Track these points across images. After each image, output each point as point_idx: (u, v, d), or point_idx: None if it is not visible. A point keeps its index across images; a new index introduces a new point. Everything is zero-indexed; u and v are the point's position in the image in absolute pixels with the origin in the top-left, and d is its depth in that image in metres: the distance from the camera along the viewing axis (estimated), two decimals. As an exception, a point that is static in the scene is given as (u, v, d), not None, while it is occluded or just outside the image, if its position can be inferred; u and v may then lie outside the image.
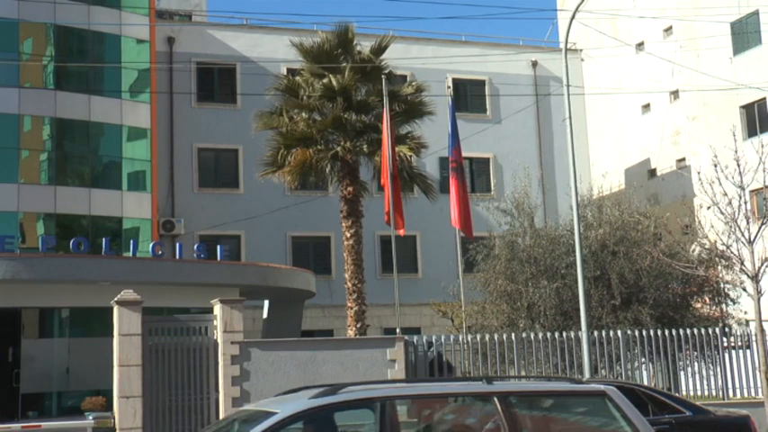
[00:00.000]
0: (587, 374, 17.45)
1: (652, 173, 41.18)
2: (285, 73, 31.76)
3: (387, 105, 22.04)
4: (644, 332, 18.85)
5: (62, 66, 33.78)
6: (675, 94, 39.69)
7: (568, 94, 19.18)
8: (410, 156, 26.23)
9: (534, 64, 41.65)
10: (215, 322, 16.65)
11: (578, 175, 19.64)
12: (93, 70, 34.28)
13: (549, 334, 18.48)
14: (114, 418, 16.06)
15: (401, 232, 21.09)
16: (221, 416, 16.17)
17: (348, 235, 25.77)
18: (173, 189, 36.05)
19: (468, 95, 40.57)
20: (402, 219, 20.99)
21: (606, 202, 24.93)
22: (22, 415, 28.32)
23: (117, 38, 34.86)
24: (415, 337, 17.89)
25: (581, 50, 41.39)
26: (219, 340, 16.44)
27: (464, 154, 23.83)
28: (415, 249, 37.51)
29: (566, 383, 9.03)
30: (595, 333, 18.63)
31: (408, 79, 31.44)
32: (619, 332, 18.79)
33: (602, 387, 8.27)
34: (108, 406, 18.53)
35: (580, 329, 18.13)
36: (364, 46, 27.27)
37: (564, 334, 18.48)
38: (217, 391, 16.38)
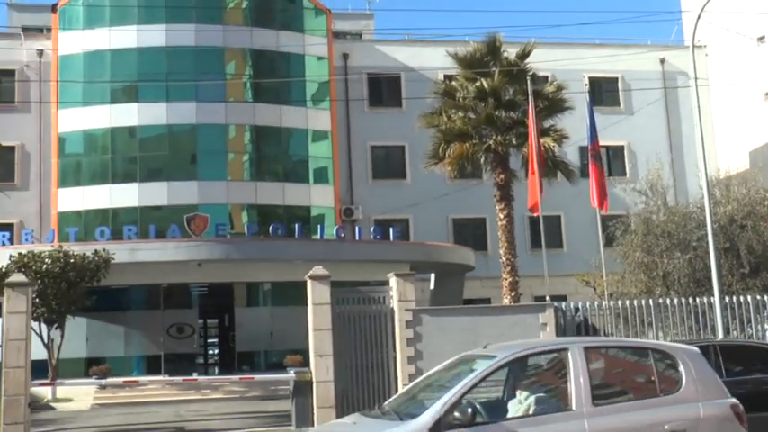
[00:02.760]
0: (721, 335, 16.70)
1: (775, 153, 38.97)
2: (442, 79, 31.64)
3: (531, 103, 21.71)
4: (772, 297, 17.88)
5: (258, 82, 34.73)
6: (795, 81, 37.39)
7: (696, 87, 18.34)
8: (553, 146, 25.74)
9: (662, 61, 40.14)
10: (391, 293, 16.74)
11: (706, 158, 18.75)
12: (282, 84, 35.04)
13: (683, 299, 17.77)
14: (311, 373, 16.41)
15: (536, 213, 20.93)
16: (399, 371, 16.33)
17: (501, 216, 25.55)
18: (351, 181, 36.59)
19: (603, 91, 39.46)
20: (538, 201, 20.76)
21: (733, 181, 23.76)
22: (237, 368, 29.56)
23: (301, 57, 35.58)
24: (563, 304, 17.52)
25: (705, 46, 39.49)
26: (395, 308, 16.55)
27: (601, 143, 23.28)
28: (559, 227, 36.86)
29: None
30: (726, 298, 17.80)
31: (550, 79, 30.79)
32: (749, 297, 17.86)
33: None
34: (305, 363, 18.98)
35: (712, 295, 17.36)
36: (510, 52, 26.87)
37: (697, 299, 17.72)
38: (394, 350, 16.51)
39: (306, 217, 33.89)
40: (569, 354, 7.30)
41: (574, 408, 7.05)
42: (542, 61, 30.76)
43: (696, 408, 7.22)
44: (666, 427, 7.06)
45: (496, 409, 7.36)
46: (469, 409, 6.76)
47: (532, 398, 7.24)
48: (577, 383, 7.11)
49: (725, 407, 7.34)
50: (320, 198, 35.07)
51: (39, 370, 22.70)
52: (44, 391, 23.97)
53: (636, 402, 7.32)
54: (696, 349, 7.81)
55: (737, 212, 21.19)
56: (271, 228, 29.57)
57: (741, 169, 34.54)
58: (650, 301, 17.71)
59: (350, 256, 28.44)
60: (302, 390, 16.38)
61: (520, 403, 7.26)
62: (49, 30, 35.19)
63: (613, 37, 40.94)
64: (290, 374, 17.02)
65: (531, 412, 7.12)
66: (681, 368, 7.43)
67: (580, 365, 7.20)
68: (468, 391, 7.03)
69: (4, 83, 33.46)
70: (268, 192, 33.93)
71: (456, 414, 6.76)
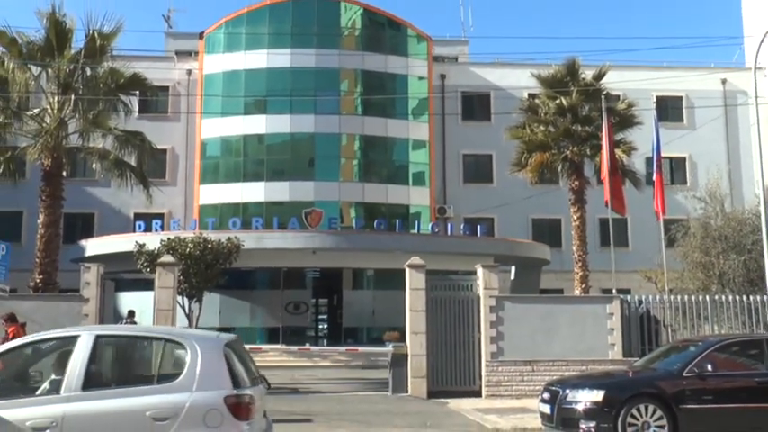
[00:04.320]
0: (772, 330, 16.08)
1: (828, 166, 36.97)
2: (527, 97, 31.28)
3: (605, 118, 21.28)
4: (822, 296, 17.03)
5: (367, 98, 35.08)
6: None
7: (757, 105, 17.68)
8: (623, 157, 25.20)
9: (723, 81, 38.64)
10: (477, 281, 16.79)
11: (763, 169, 18.04)
12: (388, 100, 35.31)
13: (738, 297, 17.17)
14: (407, 347, 16.59)
15: (623, 213, 20.51)
16: (483, 349, 16.34)
17: (575, 218, 25.17)
18: (445, 184, 36.61)
19: (669, 108, 38.25)
20: (623, 204, 20.32)
21: (787, 190, 22.68)
22: (343, 341, 29.97)
23: (405, 77, 35.78)
24: (628, 296, 17.20)
25: (764, 68, 37.79)
26: (481, 295, 16.58)
27: (665, 155, 22.66)
28: (626, 228, 35.89)
29: None
30: (778, 296, 17.08)
31: (621, 98, 29.90)
32: (799, 296, 17.10)
33: None
34: (401, 338, 19.15)
35: (765, 294, 16.72)
36: (587, 74, 26.38)
37: (751, 297, 17.09)
38: (479, 331, 16.56)
39: (405, 214, 34.02)
40: (79, 340, 6.79)
41: (62, 392, 6.56)
42: (615, 82, 30.09)
43: (186, 397, 6.58)
44: (148, 414, 6.47)
45: (26, 390, 6.96)
46: None
47: (48, 380, 6.87)
48: (73, 369, 6.63)
49: (216, 398, 6.58)
50: (418, 198, 35.21)
51: (182, 335, 23.56)
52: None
53: (127, 389, 6.69)
54: (215, 340, 7.04)
55: (791, 219, 20.21)
56: (375, 222, 29.90)
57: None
58: (707, 297, 17.20)
59: (442, 249, 28.45)
60: (399, 361, 16.59)
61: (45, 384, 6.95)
62: (196, 53, 36.45)
63: (679, 60, 39.71)
64: (389, 348, 17.23)
65: (43, 393, 6.77)
66: (188, 358, 6.74)
67: (83, 352, 6.70)
68: None
69: (159, 97, 34.80)
70: (373, 192, 34.27)
71: None
